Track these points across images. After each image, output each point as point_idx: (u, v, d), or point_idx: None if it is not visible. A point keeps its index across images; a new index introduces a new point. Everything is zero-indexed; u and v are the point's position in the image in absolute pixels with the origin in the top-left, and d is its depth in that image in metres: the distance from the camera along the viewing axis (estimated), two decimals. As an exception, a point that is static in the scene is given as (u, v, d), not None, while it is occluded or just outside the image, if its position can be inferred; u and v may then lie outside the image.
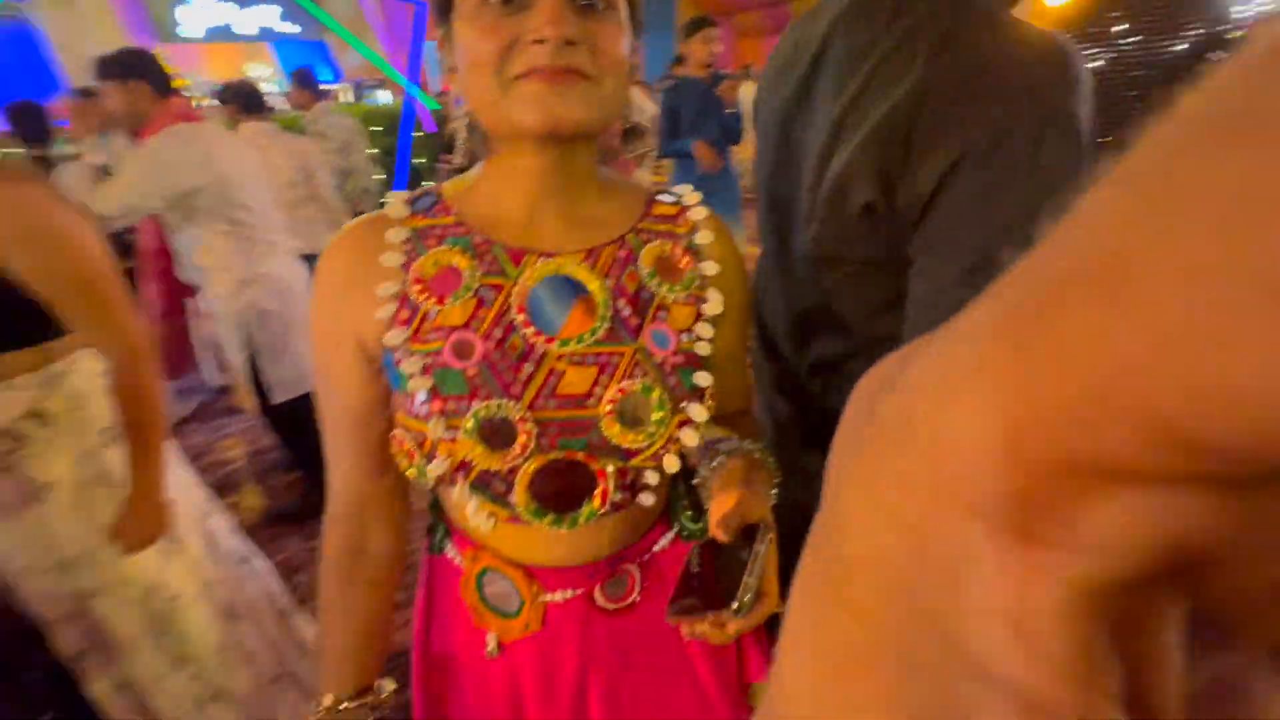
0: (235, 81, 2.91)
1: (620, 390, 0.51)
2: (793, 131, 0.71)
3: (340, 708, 0.57)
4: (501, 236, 0.54)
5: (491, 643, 0.60)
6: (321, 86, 4.03)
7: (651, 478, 0.53)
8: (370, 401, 0.55)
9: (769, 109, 0.76)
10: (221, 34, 8.20)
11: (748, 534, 0.48)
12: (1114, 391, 0.08)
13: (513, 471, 0.50)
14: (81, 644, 0.99)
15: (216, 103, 2.96)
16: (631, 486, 0.53)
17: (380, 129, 6.28)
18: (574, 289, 0.53)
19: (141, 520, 1.01)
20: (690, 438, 0.53)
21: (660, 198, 0.60)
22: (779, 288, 0.78)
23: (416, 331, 0.51)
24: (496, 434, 0.50)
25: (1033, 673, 0.09)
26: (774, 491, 0.54)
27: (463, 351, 0.51)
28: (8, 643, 0.83)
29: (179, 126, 1.74)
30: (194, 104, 2.10)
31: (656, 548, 0.62)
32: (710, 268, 0.57)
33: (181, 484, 1.13)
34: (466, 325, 0.51)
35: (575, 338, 0.52)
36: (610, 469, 0.51)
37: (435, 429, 0.50)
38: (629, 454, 0.52)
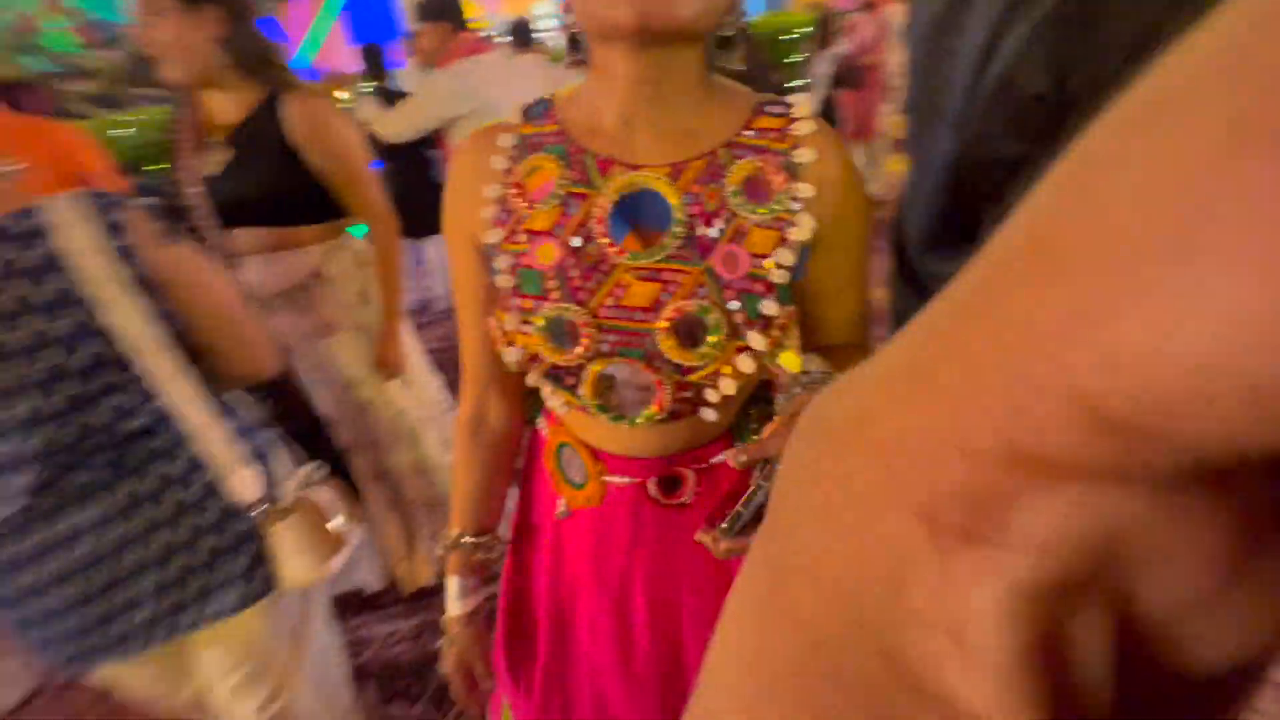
0: (513, 20, 3.35)
1: (677, 309, 0.52)
2: (947, 38, 0.68)
3: (463, 540, 0.69)
4: (594, 145, 0.55)
5: (561, 505, 0.66)
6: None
7: (711, 395, 0.54)
8: (484, 291, 0.60)
9: (920, 21, 0.73)
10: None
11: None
12: (1040, 370, 0.08)
13: (580, 368, 0.54)
14: (352, 439, 1.41)
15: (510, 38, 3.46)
16: (692, 400, 0.55)
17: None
18: (654, 202, 0.53)
19: (390, 356, 1.38)
20: (746, 365, 0.52)
21: (769, 109, 0.56)
22: (924, 199, 0.74)
23: (511, 233, 0.55)
24: (562, 334, 0.54)
25: (971, 684, 0.09)
26: None
27: (544, 255, 0.54)
28: (306, 430, 1.20)
29: (463, 60, 2.09)
30: (484, 39, 2.44)
31: (716, 460, 0.63)
32: (805, 189, 0.53)
33: (409, 347, 1.49)
34: (551, 230, 0.54)
35: (645, 252, 0.53)
36: (667, 381, 0.53)
37: (511, 321, 0.55)
38: (686, 370, 0.53)
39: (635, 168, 0.53)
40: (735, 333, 0.52)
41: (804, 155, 0.54)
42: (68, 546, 0.74)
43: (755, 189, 0.53)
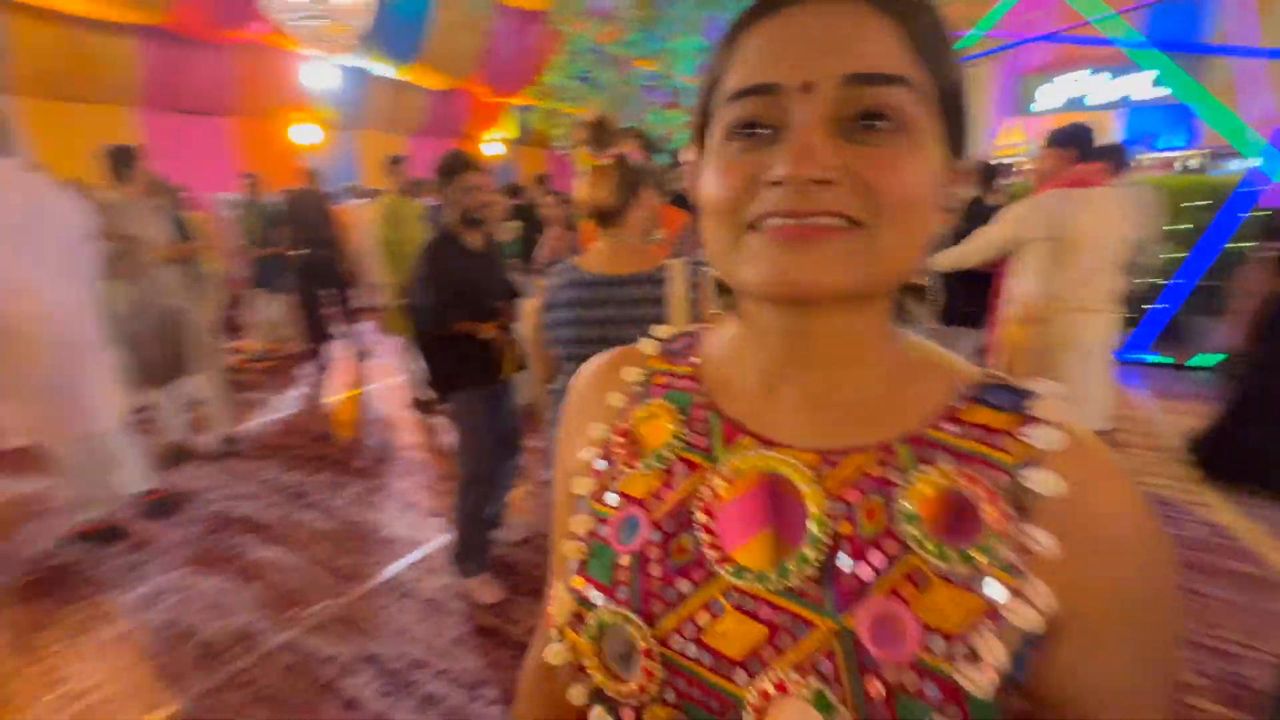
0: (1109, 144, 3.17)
1: (779, 684, 0.33)
2: None
3: None
4: (726, 405, 0.42)
5: None
6: (1164, 153, 3.67)
7: None
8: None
9: None
10: (1074, 105, 8.72)
11: None
12: None
13: (638, 706, 0.38)
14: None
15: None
16: None
17: (1205, 203, 5.44)
18: (784, 500, 0.37)
19: None
20: None
21: (989, 396, 0.37)
22: None
23: (602, 489, 0.43)
24: (616, 651, 0.38)
25: None
26: None
27: (628, 532, 0.40)
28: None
29: (1057, 190, 2.16)
30: (1099, 171, 2.25)
31: None
32: (1041, 540, 0.32)
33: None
34: (644, 501, 0.41)
35: (757, 570, 0.35)
36: None
37: (560, 610, 0.41)
38: None
39: (770, 444, 0.39)
40: None
41: (1044, 481, 0.33)
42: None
43: (951, 518, 0.34)
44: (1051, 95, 8.99)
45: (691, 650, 0.36)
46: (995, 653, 0.31)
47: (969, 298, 3.05)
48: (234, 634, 2.02)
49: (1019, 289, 2.31)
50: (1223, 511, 2.66)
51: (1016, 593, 0.32)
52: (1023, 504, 0.34)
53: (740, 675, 0.34)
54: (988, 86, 9.40)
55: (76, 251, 2.31)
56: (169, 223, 3.10)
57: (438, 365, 2.13)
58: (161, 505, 2.75)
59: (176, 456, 3.30)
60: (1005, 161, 4.89)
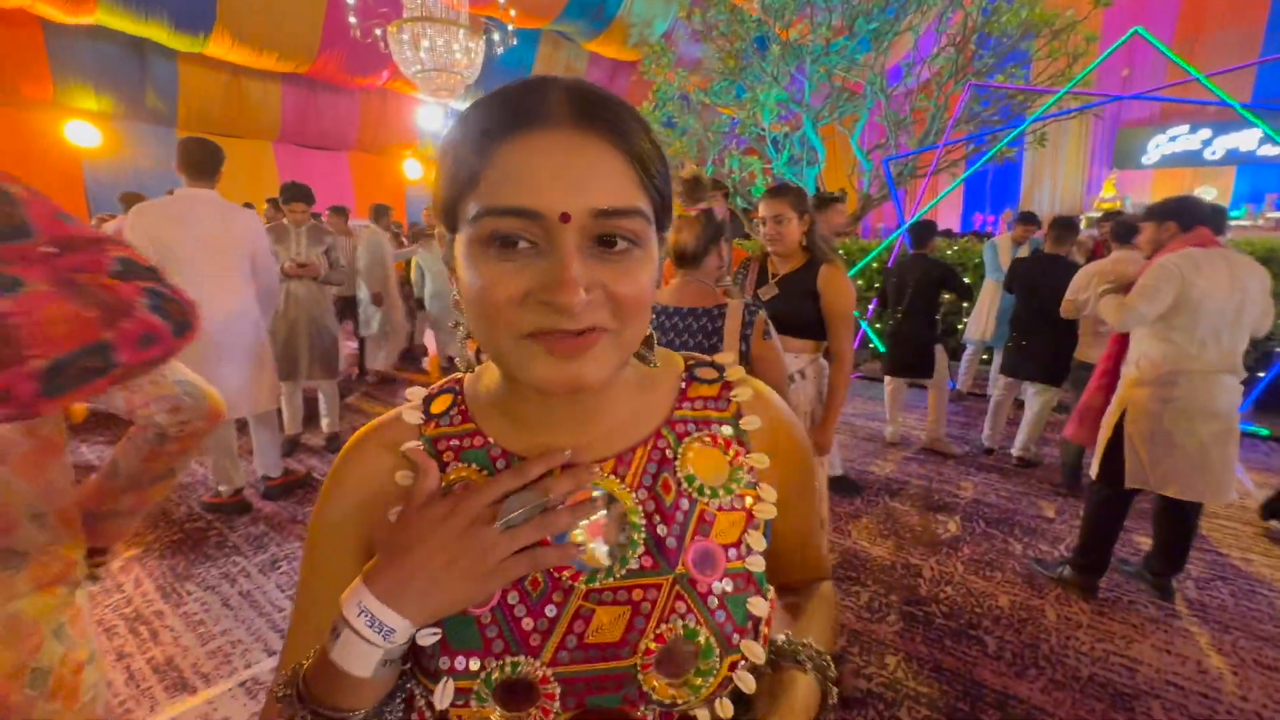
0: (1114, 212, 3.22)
1: (658, 637, 0.43)
2: None
3: None
4: (518, 446, 0.47)
5: None
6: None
7: (703, 716, 0.44)
8: None
9: None
10: (1181, 160, 8.31)
11: None
12: None
13: None
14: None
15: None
16: None
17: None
18: (602, 506, 0.45)
19: (823, 440, 1.98)
20: (747, 683, 0.44)
21: (698, 372, 0.53)
22: None
23: None
24: (515, 696, 0.42)
25: None
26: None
27: None
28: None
29: (1175, 253, 2.12)
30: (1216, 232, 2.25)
31: None
32: (760, 460, 0.49)
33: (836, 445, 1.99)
34: None
35: (605, 569, 0.44)
36: (651, 716, 0.44)
37: (443, 696, 0.42)
38: (673, 703, 0.43)
39: (571, 467, 0.45)
40: (728, 646, 0.44)
41: (751, 421, 0.50)
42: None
43: (710, 468, 0.48)
44: (1158, 150, 8.64)
45: (580, 656, 0.43)
46: (759, 542, 0.47)
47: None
48: (334, 601, 2.31)
49: (1138, 349, 2.25)
50: (1310, 591, 2.52)
51: (759, 499, 0.48)
52: (744, 441, 0.50)
53: (625, 651, 0.43)
54: (1086, 140, 9.12)
55: (252, 262, 2.71)
56: (318, 245, 3.47)
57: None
58: (281, 488, 3.15)
59: (291, 446, 3.74)
60: (1077, 217, 4.71)
